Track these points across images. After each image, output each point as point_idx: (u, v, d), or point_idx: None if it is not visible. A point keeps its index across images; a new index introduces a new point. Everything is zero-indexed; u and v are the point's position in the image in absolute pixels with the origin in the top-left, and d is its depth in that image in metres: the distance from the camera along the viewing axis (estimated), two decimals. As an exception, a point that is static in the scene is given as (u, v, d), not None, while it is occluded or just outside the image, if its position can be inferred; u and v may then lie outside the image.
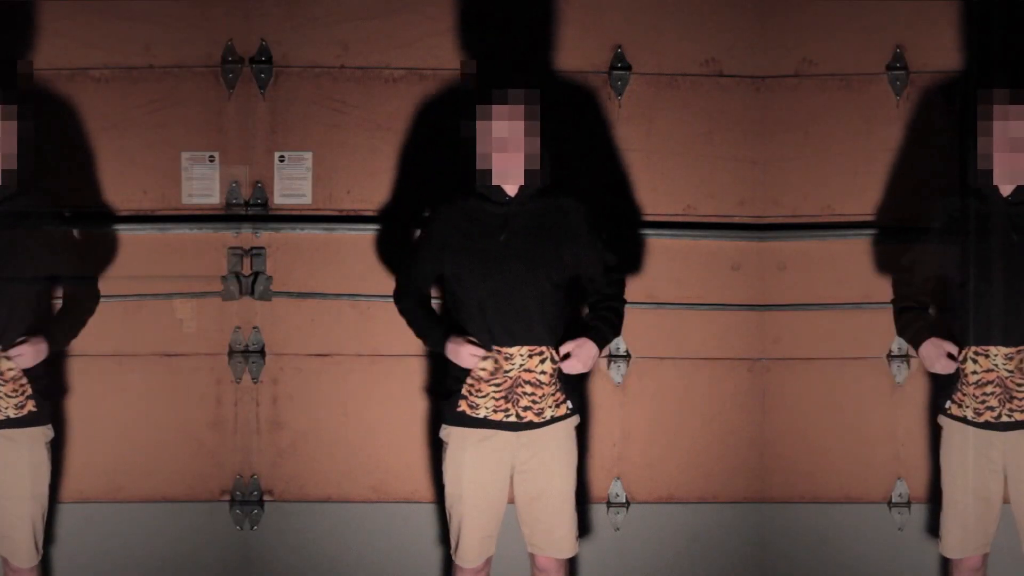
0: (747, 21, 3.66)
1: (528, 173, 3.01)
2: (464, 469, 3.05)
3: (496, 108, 2.99)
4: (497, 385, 3.01)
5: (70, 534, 3.58)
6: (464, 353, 2.99)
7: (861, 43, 3.67)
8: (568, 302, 3.13)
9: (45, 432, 3.08)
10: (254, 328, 3.62)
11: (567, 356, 3.03)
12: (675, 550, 3.68)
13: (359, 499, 3.66)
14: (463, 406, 3.03)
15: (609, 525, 3.68)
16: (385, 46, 3.63)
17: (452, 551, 3.14)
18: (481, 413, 3.02)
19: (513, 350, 3.00)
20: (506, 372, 3.00)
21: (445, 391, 3.10)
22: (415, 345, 3.59)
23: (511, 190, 3.03)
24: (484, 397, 3.01)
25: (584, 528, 3.65)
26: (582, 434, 3.64)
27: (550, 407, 3.05)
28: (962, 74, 3.62)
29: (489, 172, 3.01)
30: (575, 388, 3.19)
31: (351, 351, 3.64)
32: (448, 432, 3.09)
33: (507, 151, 2.99)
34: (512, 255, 3.02)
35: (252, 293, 3.59)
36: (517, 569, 3.46)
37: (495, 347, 3.00)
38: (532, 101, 3.01)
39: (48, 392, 3.10)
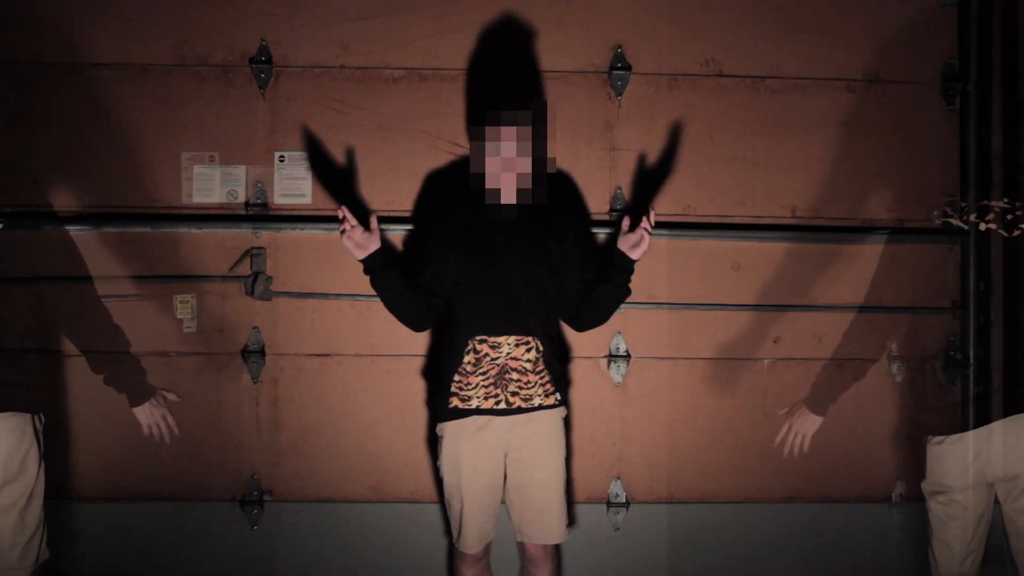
0: (747, 21, 3.66)
1: (520, 192, 3.10)
2: (462, 459, 3.15)
3: (489, 129, 3.08)
4: (484, 373, 3.12)
5: (70, 532, 3.58)
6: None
7: (861, 45, 3.67)
8: (556, 301, 3.21)
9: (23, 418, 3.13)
10: (254, 328, 3.62)
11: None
12: (675, 550, 3.68)
13: (359, 499, 3.66)
14: (455, 402, 3.14)
15: (609, 525, 3.68)
16: (385, 46, 3.63)
17: (455, 539, 3.24)
18: (473, 404, 3.13)
19: (501, 339, 3.11)
20: (493, 360, 3.11)
21: (433, 391, 3.24)
22: (415, 345, 3.61)
23: (509, 200, 3.12)
24: (474, 388, 3.12)
25: (584, 528, 3.66)
26: (582, 433, 3.66)
27: (539, 396, 3.16)
28: (961, 75, 3.64)
29: (483, 190, 3.10)
30: (564, 382, 3.34)
31: (351, 351, 3.64)
32: (443, 427, 3.18)
33: (500, 171, 3.08)
34: (508, 252, 3.14)
35: (252, 293, 3.59)
36: (509, 561, 3.47)
37: (482, 336, 3.11)
38: (525, 122, 3.08)
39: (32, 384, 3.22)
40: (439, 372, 3.22)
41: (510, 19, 3.63)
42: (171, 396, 3.43)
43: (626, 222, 3.11)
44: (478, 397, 3.13)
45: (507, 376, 3.12)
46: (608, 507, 3.68)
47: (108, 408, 3.38)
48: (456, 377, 3.13)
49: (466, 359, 3.12)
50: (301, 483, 3.65)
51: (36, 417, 3.15)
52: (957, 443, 3.19)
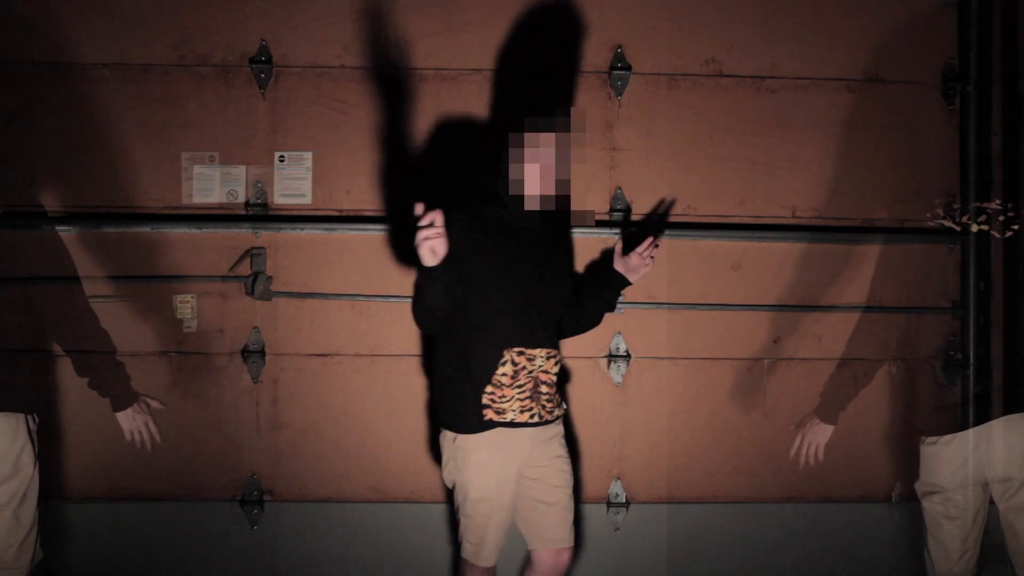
0: (747, 21, 3.67)
1: (558, 199, 3.00)
2: (490, 471, 3.05)
3: (529, 136, 2.98)
4: (521, 387, 3.03)
5: (70, 532, 3.58)
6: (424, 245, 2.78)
7: (861, 45, 3.68)
8: None
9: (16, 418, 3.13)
10: (254, 328, 3.62)
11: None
12: (675, 550, 3.68)
13: (359, 499, 3.66)
14: (489, 415, 3.02)
15: (609, 525, 3.68)
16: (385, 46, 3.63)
17: (472, 554, 3.12)
18: (508, 417, 3.03)
19: (536, 351, 3.04)
20: (529, 373, 3.03)
21: (456, 401, 3.05)
22: (415, 345, 3.61)
23: (548, 207, 3.02)
24: (509, 401, 3.02)
25: (584, 528, 3.65)
26: (582, 433, 3.66)
27: (557, 406, 3.13)
28: (960, 75, 3.64)
29: (521, 197, 3.00)
30: (563, 390, 3.36)
31: (351, 351, 3.64)
32: (468, 439, 3.04)
33: (540, 178, 2.98)
34: (532, 262, 3.07)
35: (252, 293, 3.59)
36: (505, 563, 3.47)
37: (520, 348, 3.01)
38: (565, 128, 2.99)
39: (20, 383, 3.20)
40: (466, 382, 3.03)
41: (510, 19, 3.63)
42: (155, 403, 3.42)
43: (619, 245, 3.12)
44: (513, 410, 3.02)
45: (539, 389, 3.06)
46: (608, 507, 3.68)
47: (107, 408, 3.37)
48: (489, 388, 3.01)
49: (501, 370, 3.00)
50: (301, 483, 3.65)
51: (30, 417, 3.15)
52: (950, 444, 3.20)
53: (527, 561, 3.25)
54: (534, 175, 2.99)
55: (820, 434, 3.37)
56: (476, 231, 3.03)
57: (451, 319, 3.02)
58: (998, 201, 3.33)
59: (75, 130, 3.55)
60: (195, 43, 3.60)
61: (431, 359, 3.21)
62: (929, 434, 3.25)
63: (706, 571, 3.70)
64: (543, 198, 2.99)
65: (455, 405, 3.06)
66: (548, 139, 2.97)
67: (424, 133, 3.62)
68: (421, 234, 2.73)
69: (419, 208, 2.72)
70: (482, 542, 3.10)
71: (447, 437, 3.10)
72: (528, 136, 2.98)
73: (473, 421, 3.02)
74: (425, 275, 2.84)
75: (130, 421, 3.34)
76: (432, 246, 2.75)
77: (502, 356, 3.00)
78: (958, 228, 3.37)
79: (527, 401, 3.04)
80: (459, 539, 3.16)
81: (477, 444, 3.04)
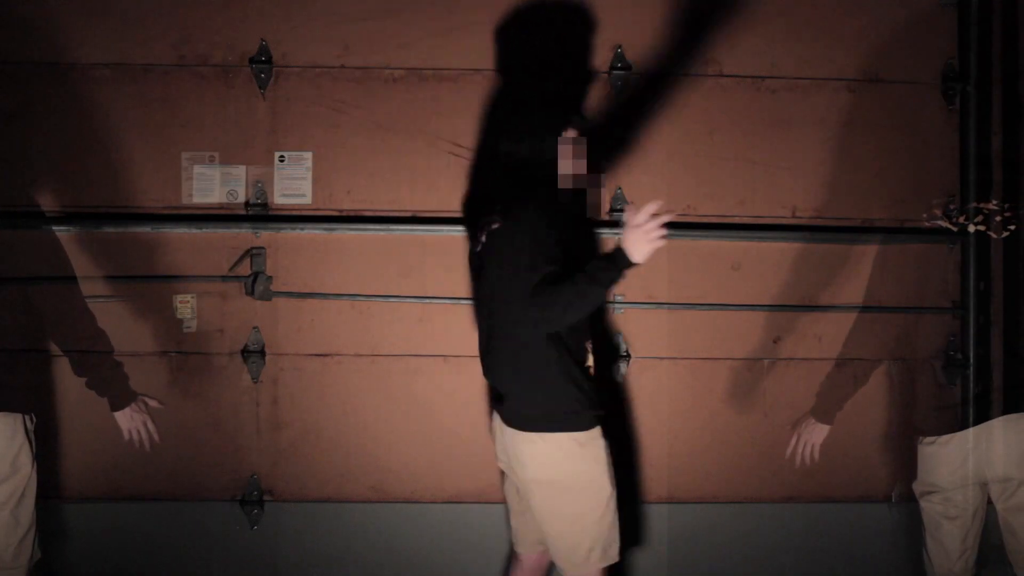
0: (747, 21, 3.66)
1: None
2: (607, 467, 3.04)
3: (578, 135, 3.01)
4: (593, 380, 3.05)
5: (70, 533, 3.58)
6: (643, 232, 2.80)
7: (861, 45, 3.68)
8: None
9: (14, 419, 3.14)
10: (254, 328, 3.62)
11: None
12: (675, 550, 3.68)
13: (359, 499, 3.66)
14: (596, 409, 3.04)
15: (609, 525, 3.68)
16: (385, 46, 3.63)
17: (605, 557, 3.04)
18: (598, 411, 3.06)
19: (590, 344, 3.07)
20: (589, 366, 3.06)
21: (574, 401, 2.98)
22: (415, 345, 3.61)
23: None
24: (593, 393, 3.04)
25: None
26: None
27: None
28: (960, 75, 3.64)
29: (571, 191, 3.01)
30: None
31: (351, 351, 3.64)
32: (584, 436, 2.99)
33: (586, 173, 3.01)
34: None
35: (252, 293, 3.59)
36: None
37: (590, 341, 3.05)
38: (591, 125, 3.06)
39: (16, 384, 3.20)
40: (572, 379, 2.97)
41: (510, 19, 3.63)
42: (153, 403, 3.42)
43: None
44: (596, 404, 3.04)
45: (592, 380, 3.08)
46: (608, 507, 3.68)
47: (107, 408, 3.38)
48: (586, 384, 3.00)
49: (586, 364, 3.03)
50: (301, 483, 3.65)
51: (27, 417, 3.16)
52: (948, 444, 3.20)
53: (510, 561, 3.28)
54: (581, 169, 3.01)
55: (816, 434, 3.37)
56: (555, 230, 2.93)
57: None
58: (995, 201, 3.34)
59: (75, 130, 3.55)
60: (195, 43, 3.60)
61: (506, 365, 3.03)
62: (929, 434, 3.26)
63: (706, 571, 3.70)
64: (591, 192, 3.03)
65: (569, 405, 2.97)
66: (585, 137, 3.02)
67: (423, 132, 3.62)
68: (656, 232, 2.78)
69: (655, 206, 2.77)
70: (617, 536, 3.06)
71: (555, 442, 2.97)
72: (578, 135, 3.01)
73: (590, 417, 3.00)
74: (624, 269, 2.84)
75: (128, 420, 3.35)
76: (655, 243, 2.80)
77: (585, 350, 3.03)
78: (955, 229, 3.38)
79: (595, 393, 3.05)
80: (589, 555, 3.02)
81: (593, 436, 3.00)
